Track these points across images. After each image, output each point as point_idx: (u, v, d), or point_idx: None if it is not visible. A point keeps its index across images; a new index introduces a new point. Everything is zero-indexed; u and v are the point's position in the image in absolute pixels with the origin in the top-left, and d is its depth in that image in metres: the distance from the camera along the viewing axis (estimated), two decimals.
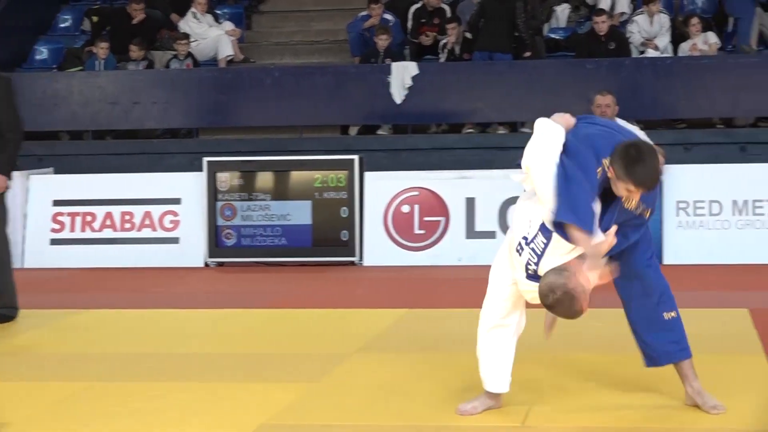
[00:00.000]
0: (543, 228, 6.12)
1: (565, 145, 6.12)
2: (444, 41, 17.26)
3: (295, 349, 8.81)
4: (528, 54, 16.72)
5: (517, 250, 6.25)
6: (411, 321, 9.89)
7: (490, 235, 13.39)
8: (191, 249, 14.04)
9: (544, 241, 6.11)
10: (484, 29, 16.72)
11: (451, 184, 13.65)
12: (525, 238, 6.20)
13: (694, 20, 16.89)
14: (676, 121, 16.61)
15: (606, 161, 6.03)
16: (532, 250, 6.16)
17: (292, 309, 10.77)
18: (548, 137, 6.17)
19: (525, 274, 6.25)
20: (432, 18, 17.66)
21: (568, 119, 6.32)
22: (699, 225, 13.10)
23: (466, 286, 11.95)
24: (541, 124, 6.27)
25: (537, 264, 6.15)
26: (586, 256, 6.04)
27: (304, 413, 6.81)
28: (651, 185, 6.06)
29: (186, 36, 17.49)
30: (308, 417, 6.72)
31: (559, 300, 6.02)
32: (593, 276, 6.05)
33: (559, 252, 6.08)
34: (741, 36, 17.03)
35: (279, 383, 7.56)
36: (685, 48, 16.84)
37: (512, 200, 13.31)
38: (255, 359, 8.43)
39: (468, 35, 17.08)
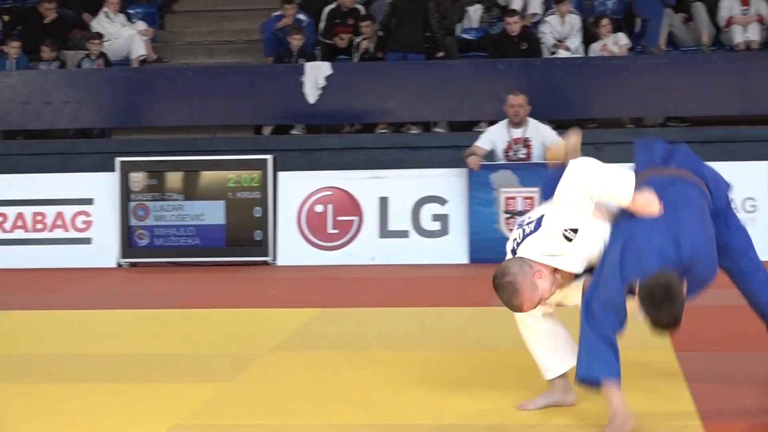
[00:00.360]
0: (539, 220, 6.23)
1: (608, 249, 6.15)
2: (358, 40, 17.26)
3: (208, 350, 8.77)
4: (441, 54, 16.77)
5: (518, 225, 6.39)
6: (324, 320, 9.89)
7: (404, 234, 13.42)
8: (104, 249, 13.94)
9: (532, 230, 6.22)
10: (397, 29, 16.74)
11: (364, 184, 13.67)
12: (527, 218, 6.37)
13: (605, 21, 17.03)
14: (588, 120, 16.72)
15: (633, 283, 6.01)
16: (523, 231, 6.29)
17: (206, 309, 10.72)
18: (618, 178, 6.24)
19: (510, 248, 6.39)
20: (346, 18, 17.61)
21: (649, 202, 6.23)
22: None
23: (380, 285, 12.00)
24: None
25: (518, 245, 6.27)
26: (561, 278, 6.22)
27: (217, 413, 6.78)
28: (669, 328, 6.03)
29: (99, 35, 17.34)
30: (222, 417, 6.69)
31: (503, 285, 6.10)
32: (552, 290, 6.20)
33: (541, 248, 6.15)
34: (650, 37, 17.20)
35: (193, 383, 7.52)
36: (595, 48, 16.98)
37: (425, 200, 13.41)
38: (168, 360, 8.38)
39: (381, 34, 17.11)
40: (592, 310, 6.01)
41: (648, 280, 5.89)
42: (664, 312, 5.88)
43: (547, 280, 6.14)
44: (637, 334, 8.82)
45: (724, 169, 13.44)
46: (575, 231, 6.08)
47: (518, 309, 6.20)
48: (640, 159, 6.63)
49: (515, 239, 6.31)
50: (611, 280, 5.97)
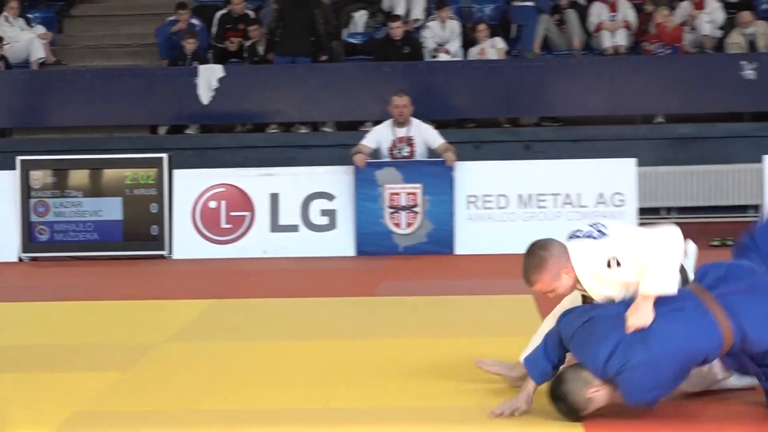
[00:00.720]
0: (606, 234, 6.01)
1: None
2: (248, 44, 17.21)
3: (107, 340, 8.68)
4: (325, 57, 16.77)
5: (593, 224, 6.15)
6: (218, 311, 9.84)
7: (293, 228, 13.40)
8: (5, 244, 13.71)
9: (596, 236, 6.02)
10: (285, 35, 16.72)
11: (255, 181, 13.61)
12: (604, 226, 6.09)
13: (482, 26, 17.14)
14: (466, 120, 16.82)
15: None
16: (591, 231, 6.07)
17: (104, 301, 10.60)
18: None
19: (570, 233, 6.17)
20: (237, 23, 17.55)
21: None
22: (488, 217, 13.29)
23: (271, 277, 11.96)
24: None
25: (576, 237, 6.09)
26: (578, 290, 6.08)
27: (116, 400, 6.72)
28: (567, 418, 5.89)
29: None
30: (121, 404, 6.63)
31: (534, 254, 6.07)
32: (568, 292, 6.14)
33: (586, 255, 5.97)
34: (525, 41, 17.34)
35: (92, 372, 7.44)
36: (474, 52, 17.07)
37: (314, 196, 13.40)
38: (67, 350, 8.28)
39: (268, 38, 17.08)
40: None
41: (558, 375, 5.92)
42: (558, 406, 5.86)
43: (570, 282, 5.99)
44: (516, 321, 8.92)
45: (595, 166, 13.74)
46: (618, 264, 5.84)
47: (530, 283, 6.04)
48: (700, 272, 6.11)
49: (579, 229, 6.11)
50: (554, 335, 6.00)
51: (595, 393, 5.75)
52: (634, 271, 5.81)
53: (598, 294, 6.00)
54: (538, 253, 6.03)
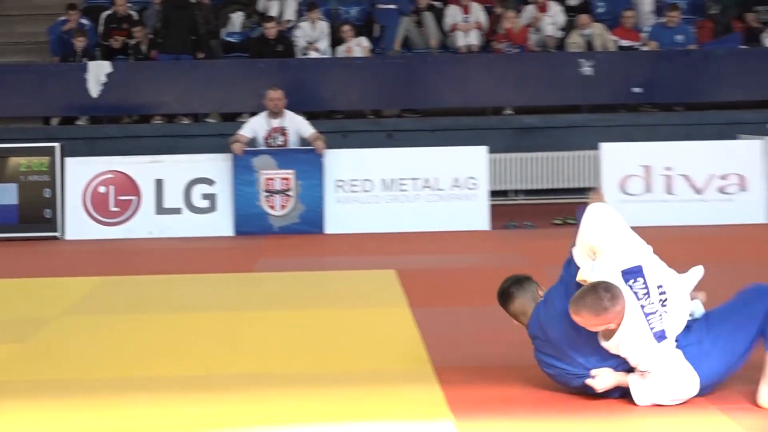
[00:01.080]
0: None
1: None
2: (133, 42, 17.06)
3: (2, 315, 8.53)
4: (202, 55, 16.71)
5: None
6: (109, 287, 9.74)
7: (177, 211, 13.31)
8: None
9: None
10: (168, 34, 16.61)
11: (141, 168, 13.48)
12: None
13: (348, 27, 17.15)
14: (335, 112, 16.84)
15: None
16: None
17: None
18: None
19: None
20: (121, 23, 17.36)
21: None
22: (354, 200, 13.32)
23: (157, 256, 11.87)
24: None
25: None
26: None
27: (16, 370, 6.64)
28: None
29: None
30: (20, 373, 6.55)
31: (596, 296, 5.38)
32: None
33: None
34: (387, 41, 17.40)
35: None
36: (341, 50, 17.09)
37: (195, 181, 13.32)
38: None
39: (151, 37, 16.95)
40: None
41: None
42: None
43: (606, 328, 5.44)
44: (380, 294, 8.99)
45: (451, 153, 13.85)
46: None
47: (580, 316, 5.39)
48: None
49: (650, 291, 5.45)
50: None
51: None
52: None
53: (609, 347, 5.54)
54: (604, 303, 5.33)
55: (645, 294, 5.39)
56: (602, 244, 5.54)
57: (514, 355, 6.50)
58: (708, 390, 5.50)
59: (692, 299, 5.64)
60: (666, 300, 5.41)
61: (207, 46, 16.86)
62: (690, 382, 5.41)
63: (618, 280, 5.40)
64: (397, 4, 17.33)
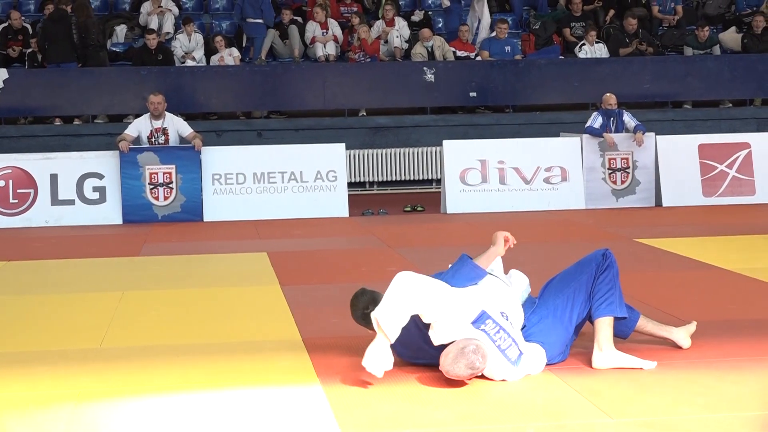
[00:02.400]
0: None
1: None
2: (29, 51, 16.68)
3: None
4: (80, 65, 16.39)
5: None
6: (9, 271, 9.48)
7: (71, 202, 13.01)
8: None
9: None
10: (50, 46, 16.26)
11: (38, 164, 13.14)
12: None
13: (219, 38, 17.02)
14: (210, 114, 16.68)
15: None
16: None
17: None
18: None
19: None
20: (17, 35, 16.98)
21: None
22: (229, 191, 13.19)
23: (53, 243, 11.59)
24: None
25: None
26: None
27: None
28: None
29: None
30: None
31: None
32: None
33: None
34: (255, 51, 17.27)
35: None
36: (215, 59, 16.92)
37: (87, 175, 13.06)
38: None
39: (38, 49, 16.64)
40: None
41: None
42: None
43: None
44: (254, 274, 8.92)
45: (313, 149, 13.80)
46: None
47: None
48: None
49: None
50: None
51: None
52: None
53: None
54: (477, 365, 5.13)
55: (497, 331, 5.27)
56: (434, 316, 5.24)
57: None
58: (560, 357, 5.55)
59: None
60: (509, 318, 5.38)
61: (89, 56, 16.55)
62: (541, 362, 5.41)
63: (471, 331, 5.24)
64: (263, 19, 17.20)
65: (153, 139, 13.20)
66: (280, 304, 7.45)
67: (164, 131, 13.25)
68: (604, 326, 5.51)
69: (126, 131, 13.25)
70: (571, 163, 13.51)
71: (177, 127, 13.31)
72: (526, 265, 6.22)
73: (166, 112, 13.34)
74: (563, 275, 5.73)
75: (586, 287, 5.58)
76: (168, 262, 9.92)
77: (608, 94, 13.84)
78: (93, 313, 7.30)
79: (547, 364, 5.46)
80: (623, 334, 5.76)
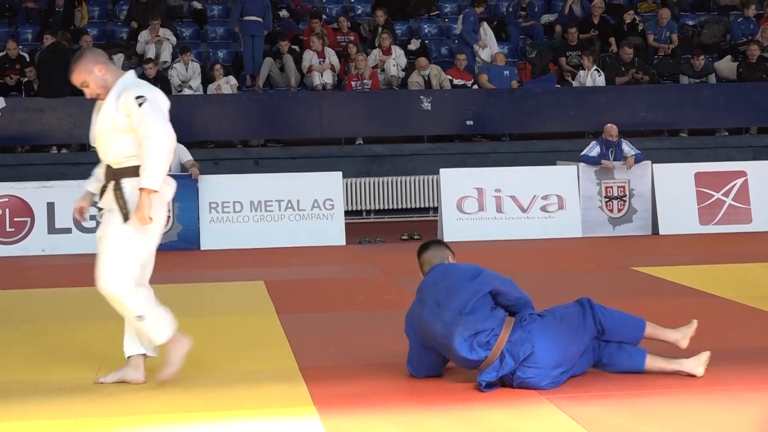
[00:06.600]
0: None
1: None
2: (25, 80, 16.74)
3: None
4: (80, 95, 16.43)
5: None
6: (7, 299, 9.46)
7: (67, 231, 13.01)
8: None
9: None
10: (49, 78, 16.27)
11: (34, 192, 13.14)
12: None
13: (217, 67, 17.07)
14: (207, 142, 16.71)
15: None
16: None
17: None
18: None
19: None
20: (14, 64, 17.04)
21: None
22: (226, 220, 13.20)
23: (50, 272, 11.57)
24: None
25: None
26: None
27: None
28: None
29: None
30: None
31: None
32: None
33: None
34: (246, 52, 17.54)
35: None
36: (212, 87, 16.96)
37: None
38: None
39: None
40: None
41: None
42: None
43: (101, 80, 6.06)
44: (250, 303, 8.91)
45: (310, 178, 13.81)
46: (140, 106, 5.96)
47: (70, 74, 6.08)
48: None
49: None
50: None
51: None
52: (135, 142, 5.80)
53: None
54: (78, 53, 5.99)
55: None
56: None
57: (370, 354, 6.51)
58: (553, 379, 5.59)
59: None
60: None
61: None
62: None
63: None
64: (263, 18, 17.43)
65: None
66: (277, 333, 7.44)
67: None
68: (656, 362, 5.78)
69: None
70: (567, 192, 13.52)
71: (178, 152, 13.33)
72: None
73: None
74: (564, 312, 5.79)
75: (588, 333, 5.73)
76: (164, 290, 9.83)
77: (610, 125, 13.72)
78: (89, 342, 7.28)
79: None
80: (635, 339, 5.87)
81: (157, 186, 5.73)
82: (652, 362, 5.82)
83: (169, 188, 6.02)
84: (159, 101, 5.90)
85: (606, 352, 5.78)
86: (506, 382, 5.57)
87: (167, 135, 5.79)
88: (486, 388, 5.51)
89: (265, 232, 13.15)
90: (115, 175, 5.89)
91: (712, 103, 17.30)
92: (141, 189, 5.73)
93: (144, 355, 6.06)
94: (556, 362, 5.55)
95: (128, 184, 5.84)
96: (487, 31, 18.06)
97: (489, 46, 17.96)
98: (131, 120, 5.78)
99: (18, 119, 16.00)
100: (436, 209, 14.66)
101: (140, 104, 5.80)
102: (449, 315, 5.60)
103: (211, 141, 16.75)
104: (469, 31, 17.89)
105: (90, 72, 5.92)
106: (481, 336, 5.54)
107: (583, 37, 18.44)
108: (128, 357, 6.07)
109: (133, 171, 5.83)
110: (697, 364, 5.82)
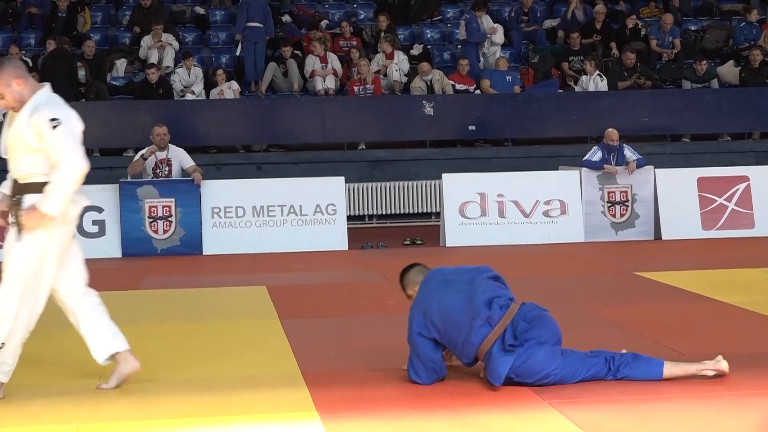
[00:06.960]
0: None
1: None
2: None
3: None
4: (83, 99, 16.44)
5: None
6: None
7: None
8: None
9: None
10: (51, 84, 16.25)
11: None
12: None
13: (220, 71, 17.08)
14: (209, 147, 16.70)
15: None
16: None
17: None
18: None
19: None
20: None
21: None
22: (229, 225, 13.20)
23: None
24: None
25: None
26: None
27: None
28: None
29: None
30: None
31: None
32: None
33: None
34: (247, 53, 17.54)
35: None
36: (214, 92, 16.97)
37: (86, 208, 12.81)
38: None
39: None
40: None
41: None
42: None
43: (17, 94, 5.98)
44: (253, 307, 8.91)
45: (313, 183, 13.81)
46: (54, 128, 5.89)
47: None
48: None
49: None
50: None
51: None
52: (47, 163, 5.73)
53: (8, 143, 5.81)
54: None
55: None
56: None
57: (373, 359, 6.51)
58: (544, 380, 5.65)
59: None
60: None
61: (90, 92, 16.62)
62: None
63: None
64: (264, 25, 17.48)
65: (158, 171, 13.24)
66: (279, 337, 7.43)
67: (168, 163, 13.29)
68: (675, 368, 5.79)
69: (138, 155, 13.39)
70: (570, 197, 13.52)
71: (180, 158, 13.35)
72: (526, 299, 6.22)
73: (170, 144, 13.38)
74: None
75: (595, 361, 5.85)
76: (167, 295, 9.92)
77: (610, 130, 13.72)
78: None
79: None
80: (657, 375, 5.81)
81: (56, 213, 5.67)
82: (671, 369, 5.81)
83: (75, 206, 5.92)
84: (72, 124, 5.83)
85: (623, 361, 5.80)
86: (515, 369, 5.64)
87: (80, 161, 5.74)
88: (495, 381, 5.63)
89: (268, 237, 13.15)
90: (20, 190, 5.81)
91: (714, 108, 17.30)
92: (38, 209, 5.63)
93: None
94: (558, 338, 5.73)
95: (28, 200, 5.75)
96: (488, 23, 18.04)
97: (498, 32, 17.92)
98: (42, 141, 5.67)
99: None
100: (438, 214, 14.65)
101: (54, 127, 5.69)
102: (479, 279, 5.87)
103: (214, 146, 16.75)
104: (473, 32, 17.87)
105: (8, 85, 5.82)
106: (500, 299, 5.77)
107: (586, 42, 18.45)
108: (110, 357, 6.05)
109: (37, 188, 5.73)
110: (719, 360, 5.83)
